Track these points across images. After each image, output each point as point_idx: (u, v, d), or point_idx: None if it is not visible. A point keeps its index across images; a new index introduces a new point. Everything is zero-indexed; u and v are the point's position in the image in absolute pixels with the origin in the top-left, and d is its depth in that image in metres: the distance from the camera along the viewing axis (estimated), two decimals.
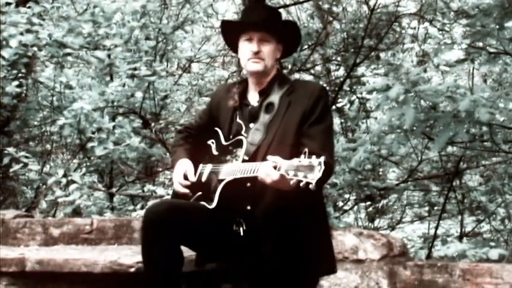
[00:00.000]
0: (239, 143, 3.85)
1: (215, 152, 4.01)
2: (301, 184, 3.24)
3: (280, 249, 3.62)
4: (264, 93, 3.94)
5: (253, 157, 3.77)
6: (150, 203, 5.67)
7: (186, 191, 3.95)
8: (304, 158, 3.29)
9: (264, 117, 3.85)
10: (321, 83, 10.81)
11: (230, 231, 3.82)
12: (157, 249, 3.68)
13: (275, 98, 3.88)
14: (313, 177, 3.22)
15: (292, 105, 3.81)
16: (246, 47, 3.91)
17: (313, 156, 3.28)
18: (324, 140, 3.75)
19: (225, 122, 4.03)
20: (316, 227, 3.76)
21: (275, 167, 3.38)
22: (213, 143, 4.06)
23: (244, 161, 3.78)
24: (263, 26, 3.88)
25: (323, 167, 3.23)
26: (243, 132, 3.91)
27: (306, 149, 3.34)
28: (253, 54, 3.87)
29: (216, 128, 4.07)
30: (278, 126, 3.78)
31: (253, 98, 3.99)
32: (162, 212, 3.72)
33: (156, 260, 3.71)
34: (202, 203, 3.85)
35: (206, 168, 3.97)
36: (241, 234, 3.79)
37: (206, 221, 3.80)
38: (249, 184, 3.73)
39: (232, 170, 3.76)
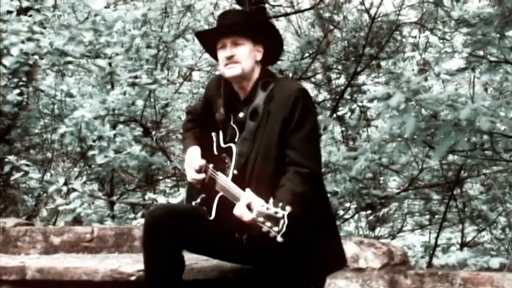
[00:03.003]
0: (230, 153, 3.83)
1: (215, 151, 3.99)
2: (270, 235, 3.25)
3: (280, 263, 3.57)
4: (249, 101, 3.88)
5: (242, 171, 3.75)
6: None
7: (199, 177, 3.94)
8: (273, 205, 3.29)
9: (250, 125, 3.81)
10: (321, 91, 10.84)
11: (232, 238, 3.81)
12: (157, 253, 3.70)
13: (259, 102, 3.82)
14: (278, 230, 3.23)
15: (272, 115, 3.75)
16: (221, 55, 3.87)
17: (280, 205, 3.27)
18: (306, 148, 3.71)
19: (221, 125, 4.00)
20: (320, 239, 3.72)
21: (249, 207, 3.39)
22: (214, 137, 4.03)
23: (234, 176, 3.75)
24: (230, 29, 3.84)
25: (286, 222, 3.23)
26: (236, 139, 3.89)
27: (271, 199, 3.34)
28: (227, 60, 3.82)
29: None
30: (262, 137, 3.74)
31: (241, 104, 3.95)
32: (163, 216, 3.73)
33: (157, 264, 3.72)
34: (204, 208, 3.86)
35: (209, 170, 3.95)
36: (244, 242, 3.79)
37: (208, 226, 3.79)
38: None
39: (223, 186, 3.74)
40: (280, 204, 3.28)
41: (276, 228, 3.23)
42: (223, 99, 3.98)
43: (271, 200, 3.32)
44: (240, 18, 3.94)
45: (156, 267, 3.73)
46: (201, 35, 4.14)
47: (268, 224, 3.25)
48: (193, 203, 3.98)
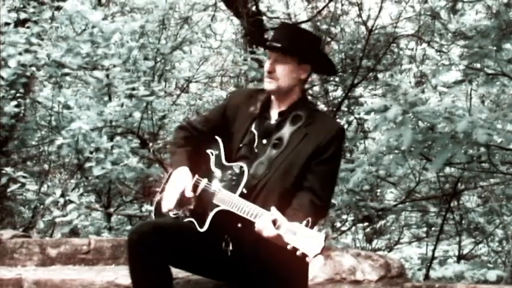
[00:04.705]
0: (241, 172, 3.79)
1: (213, 167, 3.94)
2: (298, 253, 3.21)
3: (268, 269, 3.53)
4: (283, 115, 3.90)
5: (252, 190, 3.73)
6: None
7: (173, 210, 3.86)
8: (307, 226, 3.26)
9: (271, 152, 3.81)
10: (319, 103, 10.84)
11: (219, 250, 3.79)
12: (144, 271, 3.63)
13: (285, 132, 3.84)
14: (313, 250, 3.19)
15: (307, 138, 3.78)
16: (266, 64, 3.90)
17: (315, 228, 3.26)
18: (328, 182, 3.77)
19: (241, 129, 3.98)
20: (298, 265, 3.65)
21: (274, 223, 3.36)
22: (212, 154, 3.99)
23: (242, 193, 3.71)
24: (276, 48, 3.85)
25: (324, 243, 3.20)
26: (254, 146, 3.88)
27: (309, 218, 3.30)
28: (267, 73, 3.85)
29: (217, 138, 4.03)
30: (284, 159, 3.75)
31: (273, 114, 3.95)
32: (147, 233, 3.63)
33: (144, 282, 3.67)
34: (192, 220, 3.83)
35: (201, 183, 3.89)
36: (229, 254, 3.77)
37: (194, 240, 3.75)
38: (240, 225, 3.69)
39: (229, 200, 3.69)
40: (315, 228, 3.27)
41: (309, 248, 3.18)
42: (263, 99, 4.00)
43: (304, 221, 3.28)
44: (292, 38, 3.89)
45: (143, 285, 3.69)
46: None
47: (300, 243, 3.21)
48: (172, 214, 3.93)
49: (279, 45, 3.82)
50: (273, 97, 3.97)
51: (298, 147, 3.77)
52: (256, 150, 3.87)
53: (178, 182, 3.87)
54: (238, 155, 3.92)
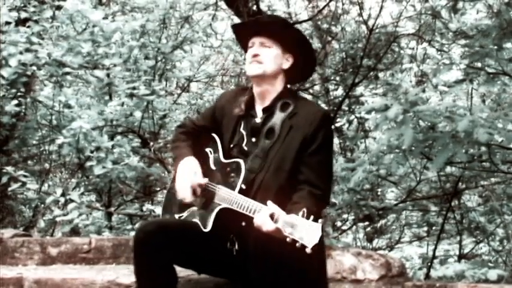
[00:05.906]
0: (238, 168, 3.80)
1: (212, 166, 3.95)
2: (297, 244, 3.21)
3: (272, 266, 3.50)
4: (267, 111, 3.90)
5: (250, 184, 3.75)
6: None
7: (192, 198, 3.86)
8: (303, 217, 3.27)
9: (264, 143, 3.81)
10: (319, 102, 10.84)
11: (224, 249, 3.79)
12: (149, 270, 3.66)
13: (277, 121, 3.83)
14: (311, 241, 3.20)
15: (293, 130, 3.78)
16: (248, 52, 3.90)
17: (312, 217, 3.25)
18: (323, 171, 3.76)
19: (229, 129, 3.99)
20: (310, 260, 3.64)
21: (272, 217, 3.36)
22: (210, 152, 4.00)
23: (241, 189, 3.72)
24: (260, 28, 3.85)
25: (320, 233, 3.21)
26: (243, 145, 3.90)
27: (305, 209, 3.31)
28: (251, 57, 3.85)
29: (215, 136, 4.04)
30: (277, 152, 3.76)
31: (258, 111, 3.95)
32: (153, 232, 3.67)
33: (149, 282, 3.68)
34: (195, 221, 3.83)
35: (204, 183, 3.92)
36: (234, 253, 3.77)
37: (199, 239, 3.76)
38: (244, 223, 3.69)
39: (229, 198, 3.71)
40: (312, 217, 3.26)
41: (307, 239, 3.19)
42: (246, 98, 3.98)
43: (300, 212, 3.30)
44: (274, 22, 3.93)
45: (148, 284, 3.70)
46: (235, 29, 4.15)
47: (298, 234, 3.22)
48: (178, 216, 3.95)
49: (266, 23, 3.86)
50: (255, 91, 3.96)
51: (286, 140, 3.77)
52: (246, 149, 3.88)
53: (188, 171, 3.88)
54: (231, 154, 3.93)
